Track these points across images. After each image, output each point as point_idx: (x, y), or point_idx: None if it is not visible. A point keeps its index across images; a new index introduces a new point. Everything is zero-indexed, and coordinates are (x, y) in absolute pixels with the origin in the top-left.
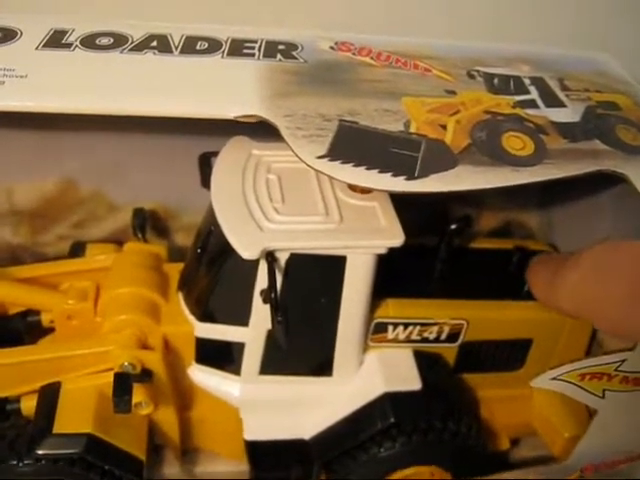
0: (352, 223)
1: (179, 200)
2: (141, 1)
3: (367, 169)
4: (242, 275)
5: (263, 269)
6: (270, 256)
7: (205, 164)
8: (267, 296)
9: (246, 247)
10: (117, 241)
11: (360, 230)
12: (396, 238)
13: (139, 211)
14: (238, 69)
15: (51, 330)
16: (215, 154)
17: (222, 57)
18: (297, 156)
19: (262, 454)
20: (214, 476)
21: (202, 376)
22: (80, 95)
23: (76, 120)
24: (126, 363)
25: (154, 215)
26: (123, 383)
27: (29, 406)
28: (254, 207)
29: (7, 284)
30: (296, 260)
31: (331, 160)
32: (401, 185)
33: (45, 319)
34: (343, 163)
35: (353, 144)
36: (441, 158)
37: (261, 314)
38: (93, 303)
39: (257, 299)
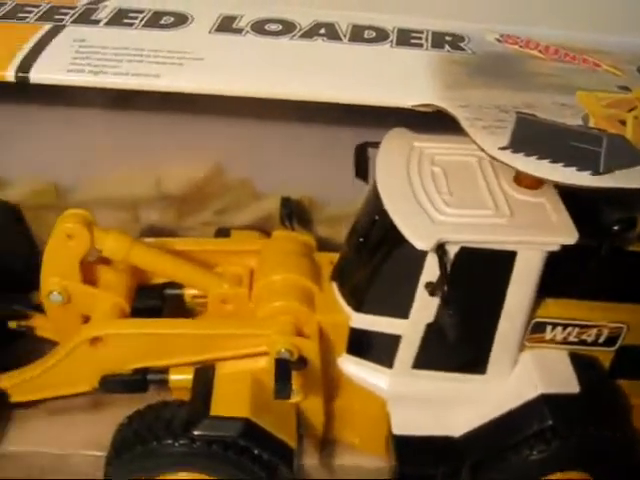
0: (522, 218)
1: (324, 191)
2: None
3: (551, 162)
4: (407, 267)
5: (431, 261)
6: (441, 248)
7: (362, 155)
8: (435, 289)
9: (420, 238)
10: (259, 230)
11: (531, 226)
12: (569, 235)
13: (287, 200)
14: (408, 59)
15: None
16: (372, 144)
17: (391, 46)
18: (479, 146)
19: (409, 449)
20: (352, 469)
21: (352, 367)
22: (255, 79)
23: (228, 106)
24: (283, 349)
25: (298, 205)
26: (284, 369)
27: (176, 379)
28: (423, 199)
29: (169, 258)
30: (465, 254)
31: (514, 152)
32: (587, 180)
33: (188, 295)
34: (526, 155)
35: (533, 137)
36: (624, 154)
37: (423, 307)
38: (248, 289)
39: (421, 292)
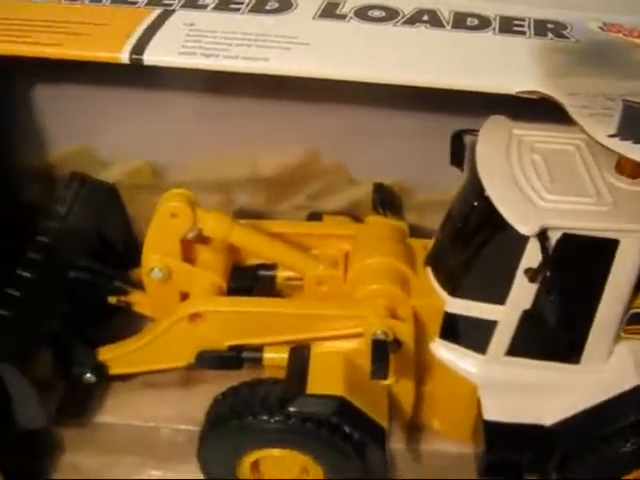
0: (625, 207)
1: (414, 178)
2: None
3: None
4: (507, 253)
5: (532, 247)
6: (543, 234)
7: (458, 142)
8: (535, 275)
9: (524, 223)
10: (350, 215)
11: (634, 215)
12: None
13: (380, 186)
14: (511, 46)
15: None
16: (468, 132)
17: (494, 34)
18: (587, 134)
19: (498, 435)
20: (437, 455)
21: (444, 352)
22: (361, 64)
23: (324, 91)
24: (379, 331)
25: (389, 191)
26: (382, 350)
27: (271, 358)
28: (524, 185)
29: (267, 239)
30: (567, 240)
31: (622, 139)
32: None
33: (281, 276)
34: (635, 143)
35: None
36: None
37: (521, 293)
38: (343, 271)
39: (520, 278)
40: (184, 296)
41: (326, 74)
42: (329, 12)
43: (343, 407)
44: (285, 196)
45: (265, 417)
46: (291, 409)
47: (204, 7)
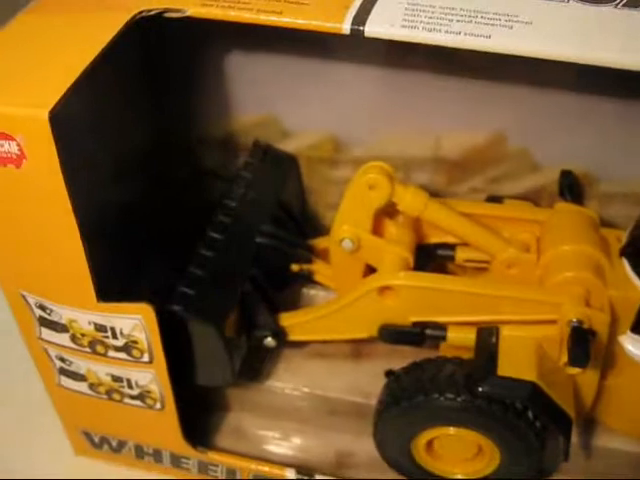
0: None
1: (601, 167)
2: None
3: None
4: None
5: None
6: None
7: None
8: None
9: None
10: (530, 201)
11: None
12: None
13: (567, 173)
14: None
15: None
16: None
17: None
18: None
19: None
20: (611, 452)
21: (634, 346)
22: (583, 46)
23: (516, 71)
24: (574, 319)
25: (575, 179)
26: (583, 337)
27: (455, 337)
28: None
29: (460, 218)
30: None
31: None
32: None
33: (460, 257)
34: None
35: None
36: None
37: None
38: (536, 255)
39: None
40: (366, 271)
41: (551, 55)
42: None
43: (535, 393)
44: (464, 178)
45: (451, 395)
46: (480, 389)
47: None
